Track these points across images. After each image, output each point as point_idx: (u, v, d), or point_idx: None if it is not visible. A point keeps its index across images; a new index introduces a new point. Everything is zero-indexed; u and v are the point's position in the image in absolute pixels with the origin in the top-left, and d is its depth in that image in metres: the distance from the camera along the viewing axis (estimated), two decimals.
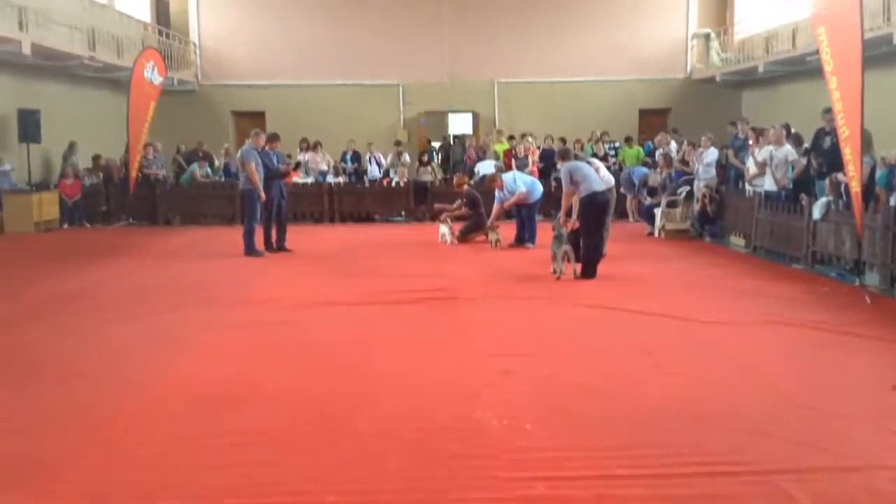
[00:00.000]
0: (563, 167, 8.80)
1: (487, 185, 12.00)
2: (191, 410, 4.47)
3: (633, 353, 5.60)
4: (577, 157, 9.77)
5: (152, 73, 14.04)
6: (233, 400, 4.62)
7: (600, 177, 8.85)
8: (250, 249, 10.52)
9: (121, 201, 14.85)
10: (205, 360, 5.58)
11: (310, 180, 15.67)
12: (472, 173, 15.32)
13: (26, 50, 12.78)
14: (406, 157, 16.70)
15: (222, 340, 6.14)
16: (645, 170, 13.90)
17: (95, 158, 15.57)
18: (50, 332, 6.38)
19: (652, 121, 20.00)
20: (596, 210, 8.52)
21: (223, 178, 15.71)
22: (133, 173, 14.20)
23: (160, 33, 19.14)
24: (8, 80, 14.10)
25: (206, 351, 5.84)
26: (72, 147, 15.23)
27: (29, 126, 13.74)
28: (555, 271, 8.57)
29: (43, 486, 3.49)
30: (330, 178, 15.95)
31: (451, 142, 19.26)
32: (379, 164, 16.49)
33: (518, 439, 3.97)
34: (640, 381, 4.94)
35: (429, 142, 18.86)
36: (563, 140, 15.86)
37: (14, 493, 3.42)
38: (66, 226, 14.32)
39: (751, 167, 11.24)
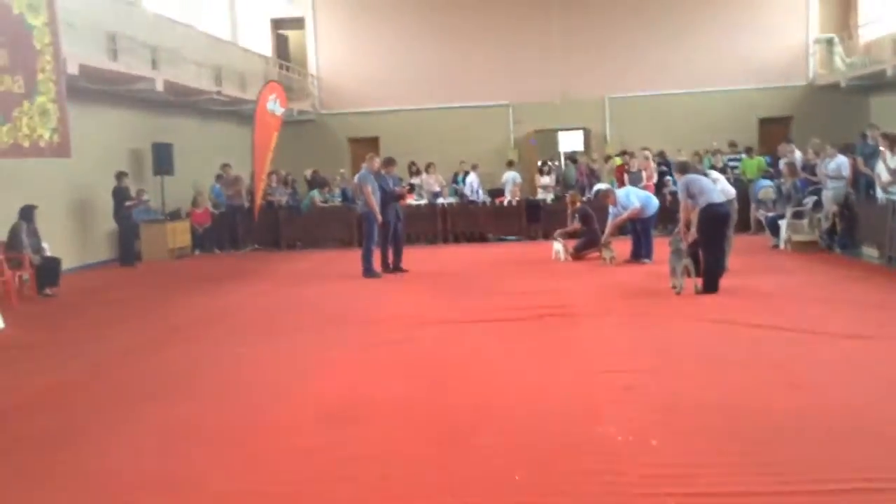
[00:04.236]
0: (679, 180, 8.64)
1: (601, 202, 11.87)
2: (320, 425, 4.63)
3: (761, 369, 5.40)
4: (695, 170, 9.51)
5: (275, 105, 14.72)
6: (359, 416, 4.76)
7: (719, 189, 8.61)
8: (368, 271, 10.79)
9: (247, 228, 15.54)
10: (330, 378, 5.78)
11: (423, 202, 15.94)
12: (583, 190, 15.23)
13: (159, 87, 13.64)
14: (517, 177, 16.74)
15: (346, 358, 6.34)
16: (765, 183, 13.41)
17: (224, 168, 16.11)
18: (186, 355, 6.74)
19: (773, 130, 19.28)
20: (715, 222, 8.28)
21: (340, 202, 16.15)
22: (258, 201, 14.87)
23: (281, 67, 20.02)
24: (143, 116, 15.07)
25: (331, 369, 6.05)
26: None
27: (162, 159, 14.65)
28: (674, 286, 8.38)
29: (189, 495, 3.70)
30: (441, 200, 16.16)
31: (563, 161, 19.19)
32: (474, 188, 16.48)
33: (645, 455, 3.91)
34: (771, 397, 4.75)
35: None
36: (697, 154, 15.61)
37: (164, 500, 3.64)
38: (197, 252, 15.11)
39: (883, 174, 10.66)
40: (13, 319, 8.41)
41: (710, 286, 8.21)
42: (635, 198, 11.04)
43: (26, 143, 10.29)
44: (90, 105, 13.13)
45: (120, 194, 13.27)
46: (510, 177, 16.83)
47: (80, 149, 11.91)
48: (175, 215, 15.17)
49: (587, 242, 11.76)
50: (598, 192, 13.23)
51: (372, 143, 19.75)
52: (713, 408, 4.57)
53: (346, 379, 5.71)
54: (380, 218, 10.69)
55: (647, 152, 15.63)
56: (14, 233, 10.21)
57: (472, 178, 16.44)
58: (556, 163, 19.03)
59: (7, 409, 5.34)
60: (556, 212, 14.43)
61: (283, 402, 5.16)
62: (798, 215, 11.73)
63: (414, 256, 11.81)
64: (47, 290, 10.20)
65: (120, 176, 13.32)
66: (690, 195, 8.32)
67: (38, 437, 4.68)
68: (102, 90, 13.32)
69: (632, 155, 15.86)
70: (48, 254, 10.49)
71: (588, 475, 3.70)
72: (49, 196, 11.72)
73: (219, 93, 16.05)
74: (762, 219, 12.83)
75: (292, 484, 3.78)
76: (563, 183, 17.02)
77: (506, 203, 15.94)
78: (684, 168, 8.89)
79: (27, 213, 10.35)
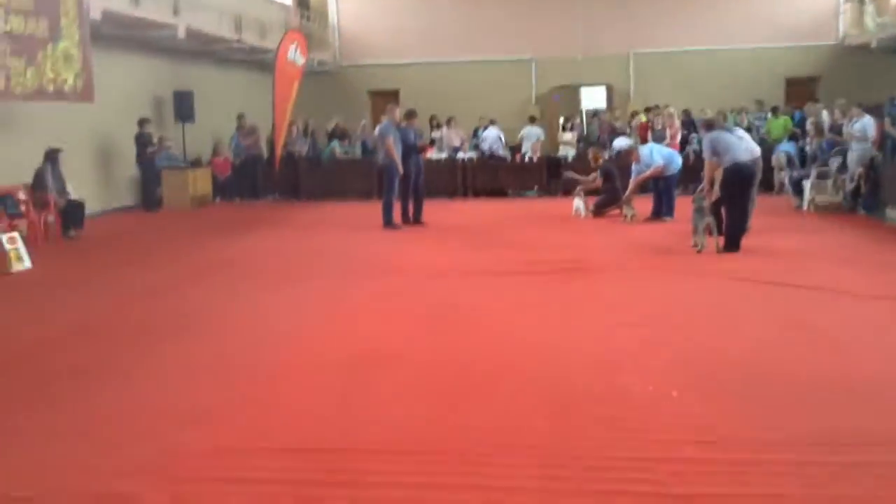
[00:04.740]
0: (705, 137, 8.55)
1: (623, 160, 11.79)
2: (344, 368, 4.70)
3: (783, 327, 5.40)
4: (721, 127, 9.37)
5: (296, 55, 14.62)
6: (382, 360, 4.82)
7: (744, 147, 8.51)
8: (388, 222, 10.82)
9: (266, 177, 15.58)
10: (353, 323, 5.85)
11: (443, 156, 15.87)
12: (605, 147, 15.07)
13: (181, 34, 13.58)
14: (541, 134, 16.57)
15: (367, 305, 6.41)
16: (782, 148, 13.27)
17: (240, 118, 15.98)
18: (208, 296, 6.86)
19: (799, 90, 18.95)
20: (740, 181, 8.20)
21: (360, 154, 16.09)
22: (278, 151, 14.88)
23: (301, 16, 19.83)
24: (164, 63, 15.03)
25: (353, 314, 6.13)
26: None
27: (184, 106, 14.66)
28: (696, 244, 8.35)
29: (215, 427, 3.80)
30: (461, 154, 16.07)
31: (584, 117, 19.00)
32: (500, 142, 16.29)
33: (664, 405, 3.95)
34: (792, 353, 4.77)
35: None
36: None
37: (190, 431, 3.74)
38: (217, 200, 15.18)
39: None
40: (39, 259, 8.52)
41: (732, 245, 8.18)
42: (659, 155, 10.95)
43: (50, 87, 10.34)
44: (113, 51, 13.09)
45: (142, 140, 13.31)
46: (532, 132, 16.62)
47: (103, 95, 11.92)
48: (196, 163, 15.22)
49: (608, 199, 11.70)
50: (621, 150, 13.12)
51: (392, 96, 19.61)
52: (733, 363, 4.59)
53: (369, 325, 5.77)
54: (401, 169, 10.68)
55: (671, 109, 15.41)
56: (39, 175, 10.29)
57: (491, 133, 16.24)
58: (578, 120, 18.85)
59: (37, 341, 5.48)
60: (577, 169, 14.33)
61: (308, 345, 5.25)
62: (822, 176, 11.61)
63: (433, 210, 11.81)
64: (72, 233, 10.32)
65: (142, 122, 13.35)
66: (715, 153, 8.24)
67: (69, 368, 4.82)
68: (125, 36, 13.28)
69: (656, 111, 15.68)
70: (73, 197, 10.58)
71: (607, 422, 3.75)
72: (72, 141, 11.76)
73: (239, 41, 15.96)
74: (785, 180, 12.69)
75: (318, 421, 3.86)
76: (585, 139, 16.87)
77: (526, 159, 15.83)
78: (710, 125, 8.79)
79: (52, 155, 10.42)
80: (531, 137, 16.42)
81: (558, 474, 3.20)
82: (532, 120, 17.29)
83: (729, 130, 8.66)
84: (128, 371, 4.75)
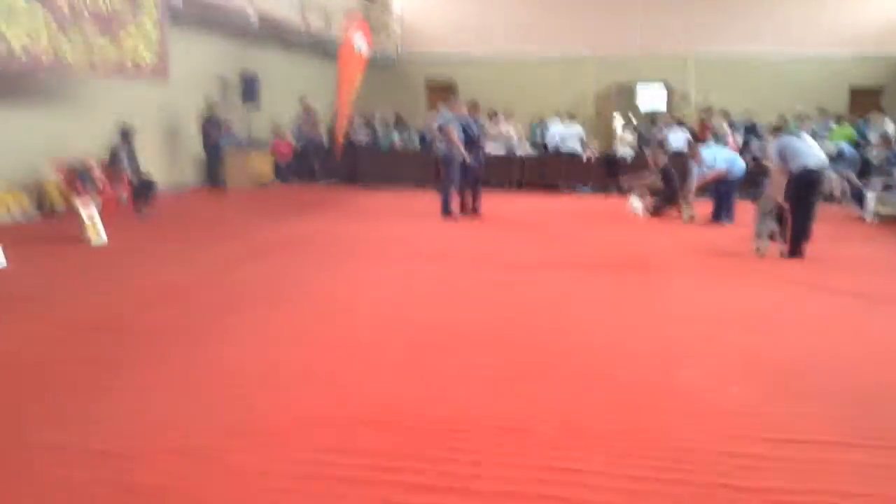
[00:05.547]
0: (773, 143, 8.52)
1: (682, 160, 11.75)
2: (410, 347, 4.92)
3: (843, 333, 5.42)
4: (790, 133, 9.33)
5: (361, 43, 14.84)
6: (448, 341, 5.01)
7: (813, 153, 8.46)
8: (446, 211, 10.98)
9: (326, 162, 15.86)
10: (420, 304, 6.04)
11: (499, 148, 15.92)
12: (662, 144, 14.97)
13: (253, 17, 13.86)
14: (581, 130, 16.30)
15: (430, 288, 6.61)
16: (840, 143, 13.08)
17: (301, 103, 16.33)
18: (281, 271, 7.14)
19: (863, 100, 18.58)
20: (807, 187, 8.15)
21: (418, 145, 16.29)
22: (340, 138, 15.14)
23: (366, 6, 20.05)
24: (232, 46, 15.34)
25: (420, 296, 6.33)
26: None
27: (249, 89, 14.99)
28: (758, 249, 8.35)
29: (293, 387, 4.01)
30: (517, 148, 16.09)
31: (643, 118, 18.85)
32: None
33: (729, 401, 4.04)
34: (853, 359, 4.80)
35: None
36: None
37: (272, 390, 3.98)
38: (276, 182, 15.50)
39: None
40: (116, 233, 8.81)
41: (796, 251, 8.15)
42: (721, 159, 10.91)
43: (129, 64, 10.69)
44: (184, 31, 13.42)
45: (210, 121, 13.66)
46: (574, 132, 16.23)
47: (172, 73, 12.24)
48: (258, 145, 15.55)
49: (666, 200, 11.69)
50: (679, 150, 13.06)
51: (449, 88, 19.76)
52: (793, 364, 4.65)
53: (432, 307, 5.96)
54: (467, 158, 10.80)
55: (715, 119, 15.16)
56: (114, 152, 10.66)
57: (559, 128, 16.16)
58: (635, 121, 18.72)
59: (121, 305, 5.78)
60: (633, 168, 14.32)
61: (373, 323, 5.46)
62: (887, 188, 11.45)
63: (489, 202, 11.92)
64: (144, 210, 10.65)
65: (211, 104, 13.69)
66: (783, 158, 8.20)
67: (152, 330, 5.12)
68: (198, 17, 13.59)
69: (710, 113, 15.57)
70: (146, 175, 10.93)
71: (667, 412, 3.86)
72: (141, 119, 12.10)
73: (306, 27, 16.23)
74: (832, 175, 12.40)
75: (389, 395, 4.04)
76: (644, 140, 16.76)
77: (584, 158, 15.75)
78: (778, 130, 8.77)
79: (126, 134, 10.77)
80: (572, 136, 16.17)
81: (626, 462, 3.32)
82: (572, 117, 16.99)
83: (797, 136, 8.61)
84: (209, 334, 5.03)
